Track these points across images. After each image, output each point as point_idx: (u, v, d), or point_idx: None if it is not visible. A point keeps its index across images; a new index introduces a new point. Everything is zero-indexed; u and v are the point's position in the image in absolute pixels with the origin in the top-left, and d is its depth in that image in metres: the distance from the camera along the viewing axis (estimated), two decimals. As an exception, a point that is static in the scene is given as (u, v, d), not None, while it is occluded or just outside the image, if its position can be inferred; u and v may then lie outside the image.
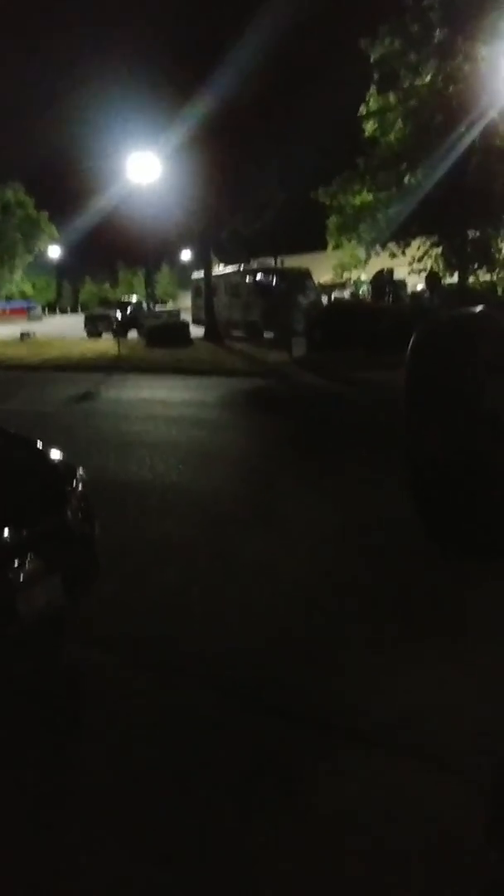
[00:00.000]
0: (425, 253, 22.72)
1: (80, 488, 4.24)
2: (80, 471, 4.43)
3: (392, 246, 22.60)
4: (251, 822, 2.89)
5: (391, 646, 4.27)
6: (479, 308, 2.45)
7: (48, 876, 2.68)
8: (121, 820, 2.93)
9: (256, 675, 3.99)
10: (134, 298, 46.78)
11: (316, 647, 4.30)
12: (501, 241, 21.93)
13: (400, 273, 28.03)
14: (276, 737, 3.46)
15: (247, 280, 28.78)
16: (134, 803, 3.02)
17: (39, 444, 4.67)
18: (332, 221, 25.91)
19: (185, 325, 28.75)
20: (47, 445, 4.67)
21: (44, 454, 4.53)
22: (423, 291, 28.01)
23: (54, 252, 66.00)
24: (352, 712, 3.60)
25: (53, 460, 4.47)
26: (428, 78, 20.67)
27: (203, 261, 31.88)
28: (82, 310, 79.72)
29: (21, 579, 3.47)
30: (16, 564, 3.48)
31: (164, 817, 2.93)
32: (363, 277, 37.29)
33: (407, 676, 3.89)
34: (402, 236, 22.08)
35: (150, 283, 62.54)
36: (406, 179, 21.36)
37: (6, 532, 3.56)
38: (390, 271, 27.51)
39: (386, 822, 2.85)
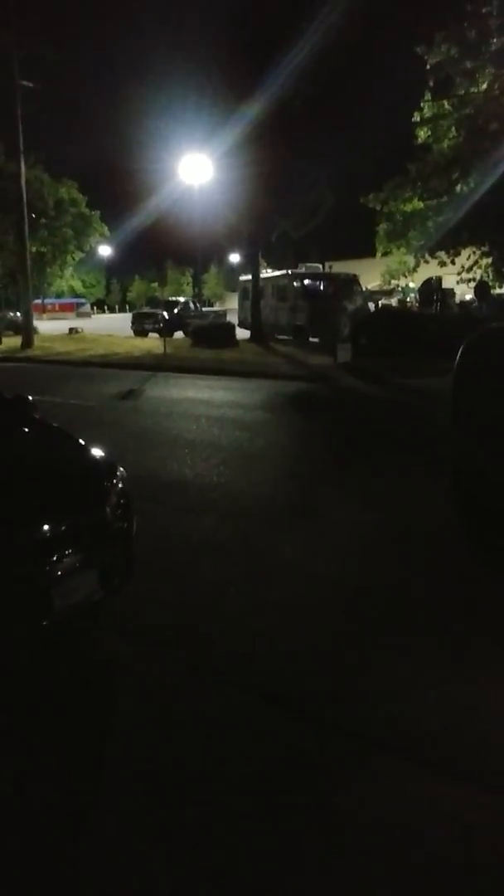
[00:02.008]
0: (475, 262, 22.48)
1: (119, 485, 4.28)
2: (121, 468, 4.47)
3: (441, 254, 22.39)
4: (277, 829, 2.87)
5: (428, 655, 4.22)
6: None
7: (73, 875, 2.70)
8: (146, 820, 2.93)
9: (288, 679, 3.98)
10: (181, 298, 47.06)
11: (351, 652, 4.27)
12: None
13: (448, 282, 27.76)
14: (307, 744, 3.44)
15: (294, 284, 28.79)
16: (160, 804, 3.02)
17: (81, 441, 4.71)
18: (382, 228, 25.80)
19: (231, 327, 28.83)
20: (89, 441, 4.72)
21: (85, 450, 4.58)
22: (471, 300, 27.71)
23: (104, 250, 66.93)
24: (385, 722, 3.56)
25: (94, 456, 4.52)
26: (484, 85, 20.46)
27: (251, 263, 31.94)
28: (130, 308, 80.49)
29: (58, 573, 3.52)
30: (54, 558, 3.53)
31: (190, 818, 2.93)
32: (411, 285, 37.02)
33: (443, 688, 3.84)
34: (451, 244, 21.87)
35: (197, 283, 63.10)
36: (458, 187, 21.17)
37: (45, 526, 3.61)
38: (439, 279, 27.28)
39: (416, 838, 2.80)
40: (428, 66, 21.03)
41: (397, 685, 3.90)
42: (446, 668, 4.07)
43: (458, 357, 2.21)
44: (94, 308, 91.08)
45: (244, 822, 2.91)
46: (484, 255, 22.24)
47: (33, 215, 35.62)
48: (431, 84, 21.56)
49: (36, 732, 3.54)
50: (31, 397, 5.41)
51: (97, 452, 4.58)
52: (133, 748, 3.43)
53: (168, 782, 3.15)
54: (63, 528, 3.70)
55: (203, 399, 14.74)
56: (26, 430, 4.88)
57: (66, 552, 3.60)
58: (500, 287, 25.18)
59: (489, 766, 3.19)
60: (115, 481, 4.29)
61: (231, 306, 46.11)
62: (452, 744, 3.36)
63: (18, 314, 34.58)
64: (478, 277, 23.02)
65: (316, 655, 4.24)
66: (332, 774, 3.21)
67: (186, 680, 4.00)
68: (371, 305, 31.46)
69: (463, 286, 25.13)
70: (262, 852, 2.76)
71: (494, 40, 19.55)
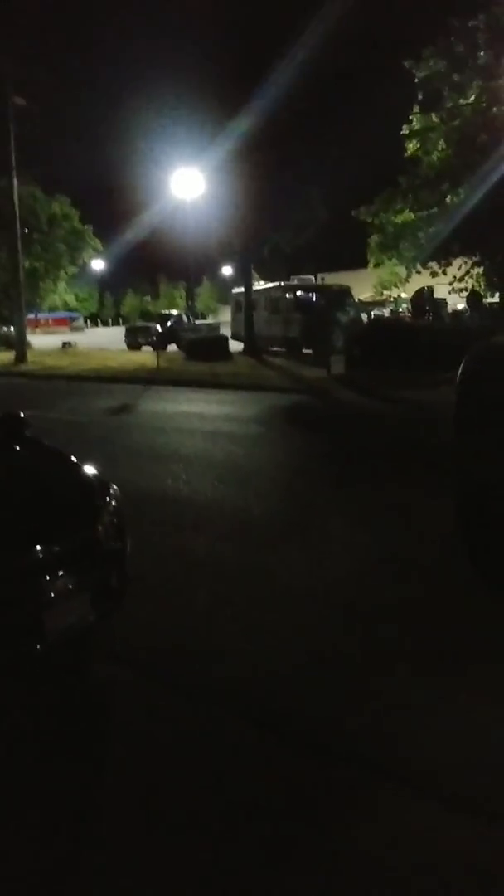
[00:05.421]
0: (466, 272, 22.56)
1: (112, 504, 4.23)
2: (114, 487, 4.41)
3: (433, 265, 22.48)
4: (276, 860, 2.80)
5: (430, 679, 4.09)
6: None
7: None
8: (143, 854, 2.87)
9: (285, 703, 3.88)
10: (174, 312, 47.11)
11: (348, 677, 4.16)
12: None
13: (440, 292, 27.85)
14: (306, 771, 3.34)
15: (287, 296, 28.90)
16: (157, 836, 2.95)
17: (73, 458, 4.66)
18: (374, 240, 25.89)
19: (224, 340, 28.84)
20: (81, 459, 4.66)
21: (77, 468, 4.51)
22: (463, 310, 27.81)
23: (98, 264, 67.05)
24: (384, 749, 3.45)
25: (87, 475, 4.45)
26: (472, 98, 20.62)
27: (244, 276, 32.04)
28: (123, 322, 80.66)
29: (50, 596, 3.47)
30: (45, 580, 3.48)
31: (186, 846, 2.88)
32: (403, 295, 37.13)
33: (448, 714, 3.71)
34: (443, 255, 21.95)
35: (190, 296, 63.23)
36: (448, 199, 21.28)
37: (37, 547, 3.56)
38: (431, 290, 27.35)
39: (424, 874, 2.72)
40: (416, 80, 21.18)
41: (395, 711, 3.79)
42: (445, 694, 3.95)
43: (460, 373, 2.17)
44: (88, 322, 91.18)
45: (242, 851, 2.84)
46: (475, 265, 22.33)
47: (26, 230, 35.66)
48: (420, 97, 21.71)
49: (28, 758, 3.49)
50: (22, 414, 5.32)
51: (90, 470, 4.51)
52: (127, 774, 3.36)
53: (164, 809, 3.08)
54: (55, 549, 3.65)
55: (197, 413, 14.71)
56: (17, 448, 4.83)
57: (59, 574, 3.56)
58: (492, 297, 25.27)
59: (494, 796, 3.08)
60: (108, 500, 4.23)
61: (224, 319, 46.15)
62: (454, 772, 3.25)
63: (11, 329, 34.55)
64: (469, 287, 23.09)
65: (313, 679, 4.14)
66: (332, 804, 3.12)
67: (181, 704, 3.93)
68: (364, 316, 31.55)
69: (455, 296, 25.21)
70: (260, 883, 2.70)
71: (482, 53, 19.72)
